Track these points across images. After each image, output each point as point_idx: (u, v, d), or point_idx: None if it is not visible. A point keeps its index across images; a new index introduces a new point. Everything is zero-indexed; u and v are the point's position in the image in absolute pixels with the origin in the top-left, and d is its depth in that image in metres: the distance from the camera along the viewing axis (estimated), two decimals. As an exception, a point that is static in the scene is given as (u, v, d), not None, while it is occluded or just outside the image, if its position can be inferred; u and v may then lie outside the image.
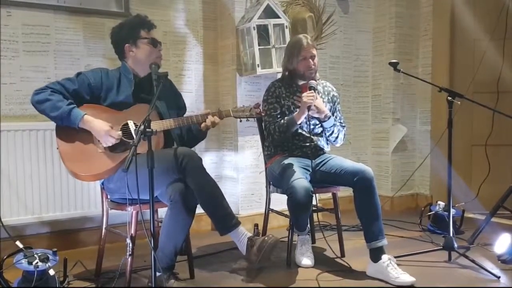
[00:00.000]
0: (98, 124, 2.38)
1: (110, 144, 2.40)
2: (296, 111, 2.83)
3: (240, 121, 2.66)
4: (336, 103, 3.03)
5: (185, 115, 2.68)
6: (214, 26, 3.77)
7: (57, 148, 2.42)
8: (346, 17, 4.39)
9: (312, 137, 2.90)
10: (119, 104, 2.51)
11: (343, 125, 3.02)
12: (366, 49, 4.52)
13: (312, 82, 2.79)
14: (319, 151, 2.92)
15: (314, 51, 2.88)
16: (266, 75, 3.51)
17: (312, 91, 2.74)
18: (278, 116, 2.87)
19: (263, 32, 3.40)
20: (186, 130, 2.70)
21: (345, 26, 4.38)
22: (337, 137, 2.96)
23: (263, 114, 2.91)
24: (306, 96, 2.70)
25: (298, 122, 2.76)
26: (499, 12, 4.02)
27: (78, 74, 2.53)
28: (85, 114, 2.38)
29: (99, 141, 2.42)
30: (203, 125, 2.55)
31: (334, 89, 3.08)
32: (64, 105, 2.36)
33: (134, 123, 2.46)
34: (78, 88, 2.47)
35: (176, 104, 2.74)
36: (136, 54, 2.57)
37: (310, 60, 2.85)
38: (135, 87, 2.57)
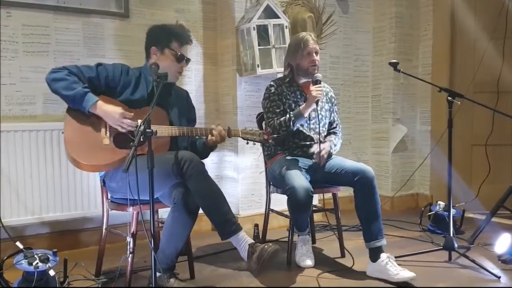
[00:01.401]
0: (111, 108, 2.36)
1: (125, 129, 2.37)
2: (297, 109, 2.86)
3: (247, 143, 2.64)
4: (333, 104, 3.05)
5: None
6: (214, 26, 3.77)
7: (62, 133, 2.39)
8: (346, 17, 4.39)
9: (312, 136, 2.90)
10: (132, 102, 2.49)
11: (339, 131, 3.06)
12: (366, 49, 4.52)
13: (318, 76, 2.81)
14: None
15: (318, 47, 2.91)
16: (266, 75, 3.51)
17: (319, 84, 2.76)
18: (281, 113, 2.87)
19: (263, 32, 3.40)
20: (190, 144, 2.69)
21: (345, 26, 4.39)
22: (336, 147, 2.99)
23: (264, 111, 2.94)
24: (315, 90, 2.72)
25: (305, 115, 2.77)
26: (499, 12, 4.02)
27: (99, 64, 2.51)
28: (98, 100, 2.36)
29: (106, 133, 2.40)
30: (209, 138, 2.53)
31: (332, 90, 3.10)
32: (79, 87, 2.34)
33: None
34: (95, 77, 2.45)
35: (187, 115, 2.73)
36: (159, 59, 2.54)
37: (314, 55, 2.87)
38: (152, 90, 2.56)
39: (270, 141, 2.68)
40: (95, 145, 2.39)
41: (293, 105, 2.90)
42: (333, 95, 3.08)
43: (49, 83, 2.38)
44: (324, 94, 3.01)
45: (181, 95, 2.75)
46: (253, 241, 2.44)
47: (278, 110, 2.88)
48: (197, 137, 2.62)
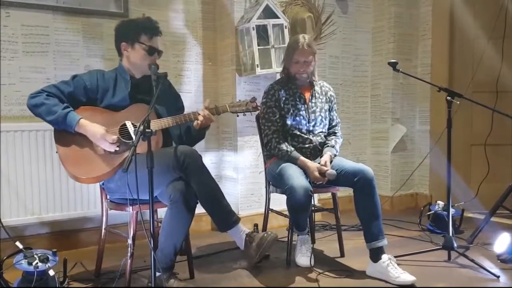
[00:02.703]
0: (93, 128, 2.38)
1: (109, 149, 2.39)
2: (296, 113, 2.86)
3: (237, 115, 2.66)
4: (332, 103, 3.05)
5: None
6: (214, 26, 3.77)
7: (57, 152, 2.42)
8: (345, 17, 4.39)
9: (311, 138, 2.90)
10: (115, 105, 2.51)
11: (339, 130, 3.04)
12: (365, 49, 4.52)
13: (331, 175, 2.68)
14: (319, 152, 2.92)
15: (310, 57, 2.85)
16: (266, 75, 3.51)
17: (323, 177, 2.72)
18: (277, 120, 2.87)
19: (262, 32, 3.40)
20: (185, 130, 2.70)
21: (344, 26, 4.39)
22: (337, 152, 2.96)
23: (260, 116, 2.93)
24: (317, 178, 2.71)
25: (298, 164, 2.78)
26: (498, 11, 4.02)
27: (74, 76, 2.53)
28: (81, 118, 2.38)
29: None
30: (195, 123, 2.54)
31: (331, 89, 3.09)
32: (59, 109, 2.36)
33: (132, 123, 2.46)
34: (73, 90, 2.48)
35: (174, 105, 2.73)
36: (130, 55, 2.57)
37: (303, 64, 2.85)
38: (132, 88, 2.57)
39: (259, 107, 2.69)
40: (90, 156, 2.40)
41: (291, 109, 2.88)
42: (333, 94, 3.07)
43: (31, 109, 2.41)
44: (324, 93, 3.01)
45: (164, 86, 2.72)
46: (249, 230, 2.48)
47: (273, 118, 2.87)
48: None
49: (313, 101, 2.95)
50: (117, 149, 2.39)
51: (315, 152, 2.90)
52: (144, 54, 2.54)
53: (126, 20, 2.67)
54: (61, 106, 2.38)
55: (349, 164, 2.80)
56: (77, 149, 2.41)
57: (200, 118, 2.52)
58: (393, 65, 2.91)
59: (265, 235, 2.47)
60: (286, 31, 3.46)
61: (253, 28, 3.35)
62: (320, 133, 2.95)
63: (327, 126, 3.00)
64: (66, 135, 2.41)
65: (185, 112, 2.65)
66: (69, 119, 2.36)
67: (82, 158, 2.40)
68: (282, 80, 2.98)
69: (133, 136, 2.41)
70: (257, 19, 3.37)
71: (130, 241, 2.33)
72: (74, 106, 2.44)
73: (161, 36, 2.62)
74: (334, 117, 3.05)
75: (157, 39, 2.59)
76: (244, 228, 2.53)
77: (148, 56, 2.54)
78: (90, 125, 2.38)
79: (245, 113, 2.64)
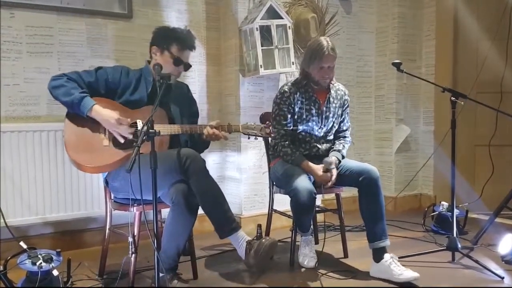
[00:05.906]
0: (107, 113, 2.39)
1: (125, 132, 2.39)
2: (308, 118, 2.83)
3: (248, 138, 2.64)
4: (345, 107, 2.99)
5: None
6: (217, 27, 3.77)
7: (63, 136, 2.43)
8: (348, 18, 4.39)
9: (318, 146, 2.89)
10: (132, 103, 2.53)
11: (348, 135, 3.00)
12: (369, 49, 4.52)
13: (330, 164, 2.67)
14: (324, 155, 2.90)
15: (334, 62, 2.78)
16: (269, 75, 3.51)
17: (329, 173, 2.69)
18: (288, 124, 2.83)
19: (266, 32, 3.40)
20: (189, 136, 2.70)
21: (348, 27, 4.38)
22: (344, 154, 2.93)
23: (271, 117, 2.88)
24: (324, 177, 2.69)
25: (301, 168, 2.75)
26: (502, 12, 4.01)
27: (99, 68, 2.56)
28: (96, 103, 2.39)
29: (105, 134, 2.42)
30: (204, 130, 2.54)
31: (347, 93, 3.01)
32: (76, 92, 2.38)
33: (143, 123, 2.46)
34: (94, 81, 2.50)
35: (189, 110, 2.74)
36: (157, 60, 2.59)
37: (328, 70, 2.77)
38: (152, 90, 2.58)
39: (273, 135, 2.68)
40: (95, 146, 2.41)
41: (304, 114, 2.83)
42: (347, 98, 3.00)
43: (50, 90, 2.44)
44: (338, 98, 2.95)
45: (182, 90, 2.76)
46: (250, 238, 2.46)
47: (284, 122, 2.82)
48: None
49: (327, 106, 2.88)
50: (130, 136, 2.40)
51: (321, 158, 2.87)
52: (170, 63, 2.56)
53: (166, 27, 2.71)
54: (79, 90, 2.40)
55: (354, 163, 2.80)
56: (84, 136, 2.42)
57: (206, 133, 2.53)
58: (397, 65, 2.90)
59: (263, 240, 2.44)
60: (289, 32, 3.46)
61: (256, 28, 3.35)
62: (329, 140, 2.94)
63: (334, 130, 2.97)
64: (76, 121, 2.42)
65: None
66: (84, 103, 2.37)
67: (86, 146, 2.40)
68: (299, 82, 2.88)
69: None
70: (260, 19, 3.37)
71: (131, 239, 2.33)
72: (92, 96, 2.45)
73: (193, 51, 2.66)
74: (345, 121, 3.00)
75: (188, 53, 2.62)
76: (245, 236, 2.48)
77: (173, 65, 2.57)
78: (104, 110, 2.40)
79: (257, 137, 2.64)
